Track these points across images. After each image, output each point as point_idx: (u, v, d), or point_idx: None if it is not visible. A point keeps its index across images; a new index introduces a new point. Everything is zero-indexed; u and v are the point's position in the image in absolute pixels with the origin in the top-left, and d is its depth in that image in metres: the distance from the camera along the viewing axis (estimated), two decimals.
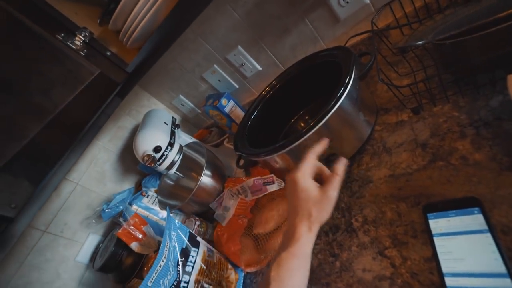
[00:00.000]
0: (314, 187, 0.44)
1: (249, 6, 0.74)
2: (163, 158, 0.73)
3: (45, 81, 0.53)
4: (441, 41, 0.47)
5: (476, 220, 0.40)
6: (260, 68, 0.91)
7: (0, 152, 0.42)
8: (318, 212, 0.43)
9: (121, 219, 0.74)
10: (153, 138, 0.71)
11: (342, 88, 0.53)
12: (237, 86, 1.00)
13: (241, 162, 0.71)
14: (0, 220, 0.43)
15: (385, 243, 0.48)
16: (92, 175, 0.96)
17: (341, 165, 0.46)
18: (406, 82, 0.63)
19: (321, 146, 0.48)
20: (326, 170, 0.47)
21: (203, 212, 0.84)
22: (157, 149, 0.69)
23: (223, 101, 0.93)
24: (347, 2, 0.68)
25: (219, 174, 0.79)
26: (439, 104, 0.54)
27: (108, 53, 0.64)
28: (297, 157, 0.59)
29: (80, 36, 0.58)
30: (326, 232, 0.58)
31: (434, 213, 0.44)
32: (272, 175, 0.66)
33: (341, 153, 0.59)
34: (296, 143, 0.55)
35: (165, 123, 0.82)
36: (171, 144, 0.75)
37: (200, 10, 0.57)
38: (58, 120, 0.52)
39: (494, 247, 0.37)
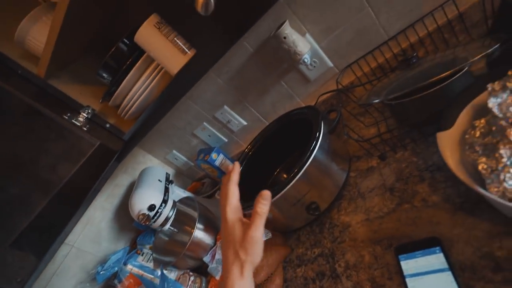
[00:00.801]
0: (238, 226, 0.44)
1: (231, 73, 0.87)
2: (157, 215, 0.77)
3: (52, 157, 0.60)
4: (389, 102, 0.57)
5: (438, 259, 0.45)
6: (245, 123, 1.01)
7: (11, 228, 0.47)
8: (245, 255, 0.41)
9: (115, 281, 0.76)
10: (147, 197, 0.77)
11: (314, 143, 0.61)
12: (226, 140, 1.09)
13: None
14: None
15: (366, 287, 0.51)
16: (88, 236, 0.99)
17: (261, 201, 0.45)
18: (372, 131, 0.72)
19: (235, 174, 0.49)
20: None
21: (197, 267, 0.86)
22: (151, 207, 0.74)
23: (213, 155, 1.01)
24: (314, 66, 0.80)
25: (212, 226, 0.83)
26: (399, 151, 0.62)
27: (107, 125, 0.73)
28: (281, 207, 0.65)
29: (84, 114, 0.68)
30: (313, 279, 0.61)
31: (404, 255, 0.49)
32: None
33: (320, 200, 0.66)
34: (278, 196, 0.61)
35: (159, 180, 0.88)
36: (165, 201, 0.80)
37: (185, 91, 0.68)
38: (62, 191, 0.58)
39: (455, 285, 0.41)
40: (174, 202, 0.85)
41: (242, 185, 0.77)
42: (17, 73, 0.62)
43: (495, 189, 0.36)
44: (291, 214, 0.67)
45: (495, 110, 0.36)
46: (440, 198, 0.50)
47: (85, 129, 0.67)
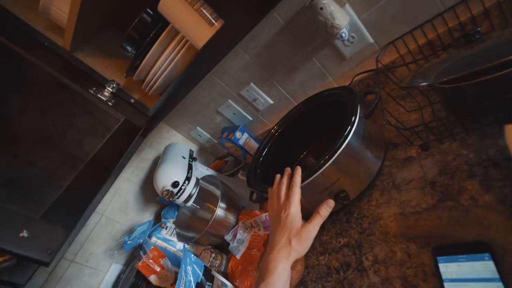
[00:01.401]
0: (299, 218, 0.51)
1: (259, 48, 0.81)
2: (180, 192, 0.77)
3: (78, 132, 0.61)
4: (441, 85, 0.49)
5: (487, 267, 0.40)
6: (272, 102, 0.96)
7: (41, 201, 0.49)
8: (296, 243, 0.48)
9: (141, 252, 0.79)
10: (171, 174, 0.77)
11: (348, 128, 0.55)
12: (250, 119, 1.05)
13: (254, 197, 0.74)
14: (36, 262, 0.48)
15: (396, 285, 0.48)
16: (116, 206, 1.03)
17: (325, 206, 0.53)
18: (413, 117, 0.65)
19: (299, 175, 0.56)
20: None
21: (219, 244, 0.87)
22: (175, 184, 0.74)
23: (238, 134, 0.98)
24: (351, 42, 0.71)
25: (234, 206, 0.83)
26: (446, 141, 0.55)
27: (132, 100, 0.72)
28: (308, 193, 0.61)
29: (109, 88, 0.67)
30: (337, 270, 0.58)
31: (444, 257, 0.44)
32: None
33: (351, 189, 0.61)
34: (307, 181, 0.57)
35: (183, 157, 0.87)
36: (188, 178, 0.80)
37: (211, 66, 0.64)
38: (89, 166, 0.59)
39: None
40: (197, 179, 0.84)
41: (265, 166, 0.75)
42: (43, 45, 0.61)
43: None
44: (318, 201, 0.63)
45: None
46: (494, 198, 0.44)
47: (110, 104, 0.66)
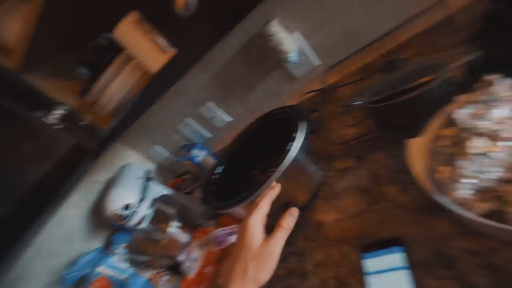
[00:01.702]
0: (259, 236, 0.45)
1: (216, 69, 0.92)
2: (133, 214, 0.82)
3: (21, 159, 0.62)
4: (369, 104, 0.62)
5: (399, 258, 0.50)
6: (230, 120, 1.06)
7: None
8: (255, 270, 0.42)
9: (82, 286, 0.79)
10: (122, 197, 0.81)
11: (291, 144, 0.66)
12: (210, 136, 1.14)
13: (208, 214, 0.81)
14: None
15: (330, 284, 0.56)
16: (59, 235, 0.98)
17: (288, 217, 0.49)
18: (353, 131, 0.78)
19: (274, 192, 0.52)
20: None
21: (173, 266, 0.90)
22: (126, 207, 0.79)
23: (195, 151, 1.06)
24: (301, 64, 0.85)
25: (189, 224, 0.88)
26: (377, 152, 0.67)
27: (84, 122, 0.76)
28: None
29: (59, 111, 0.70)
30: (284, 277, 0.66)
31: (369, 253, 0.54)
32: (235, 225, 0.75)
33: (297, 200, 0.71)
34: (252, 196, 0.65)
35: (137, 177, 0.93)
36: (142, 200, 0.85)
37: (165, 89, 0.72)
38: (29, 195, 0.60)
39: (410, 281, 0.46)
40: (152, 200, 0.89)
41: (220, 183, 0.83)
42: None
43: (452, 196, 0.41)
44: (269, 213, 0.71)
45: (459, 122, 0.41)
46: (408, 200, 0.55)
47: (59, 127, 0.69)
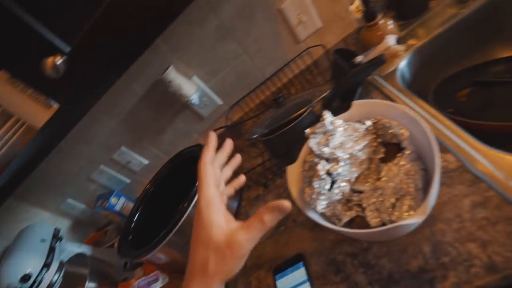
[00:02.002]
0: (219, 219, 0.34)
1: (124, 115, 0.89)
2: (35, 284, 0.71)
3: None
4: (259, 138, 0.69)
5: (301, 273, 0.55)
6: (147, 162, 1.03)
7: None
8: (217, 264, 0.32)
9: None
10: (19, 266, 0.70)
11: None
12: (128, 181, 1.08)
13: (128, 266, 0.75)
14: None
15: None
16: None
17: (275, 211, 0.32)
18: (259, 161, 0.84)
19: (208, 148, 0.38)
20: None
21: None
22: (25, 278, 0.68)
23: (112, 200, 0.98)
24: (205, 105, 0.89)
25: (110, 281, 0.80)
26: (278, 179, 0.74)
27: None
28: (179, 245, 0.68)
29: None
30: None
31: (279, 274, 0.58)
32: (156, 272, 0.71)
33: None
34: (166, 239, 0.64)
35: (41, 240, 0.81)
36: (47, 265, 0.74)
37: (55, 144, 0.66)
38: None
39: None
40: (62, 263, 0.79)
41: (138, 231, 0.79)
42: None
43: (319, 211, 0.48)
44: (185, 254, 0.70)
45: (313, 149, 0.49)
46: (304, 218, 0.62)
47: None
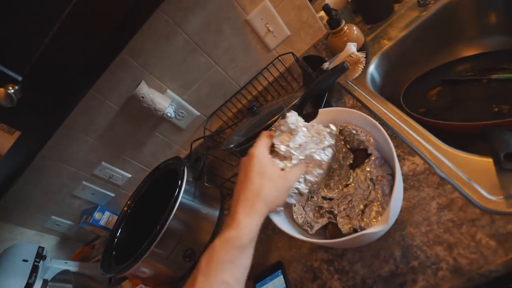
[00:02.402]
0: (272, 163, 0.39)
1: (101, 131, 0.85)
2: None
3: None
4: (234, 149, 0.67)
5: (280, 280, 0.53)
6: (130, 176, 0.99)
7: None
8: (270, 190, 0.35)
9: None
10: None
11: (176, 194, 0.65)
12: (113, 195, 1.04)
13: (112, 282, 0.72)
14: None
15: None
16: None
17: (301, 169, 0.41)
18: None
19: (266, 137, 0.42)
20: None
21: None
22: None
23: (96, 215, 0.94)
24: (182, 116, 0.86)
25: None
26: None
27: None
28: (158, 261, 0.66)
29: None
30: None
31: (260, 282, 0.56)
32: (141, 285, 0.69)
33: (197, 245, 0.69)
34: (146, 254, 0.61)
35: (24, 260, 0.77)
36: (29, 285, 0.70)
37: (20, 173, 0.63)
38: None
39: None
40: (46, 281, 0.75)
41: (122, 246, 0.75)
42: None
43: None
44: (170, 265, 0.68)
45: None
46: None
47: None
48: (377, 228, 0.34)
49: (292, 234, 0.42)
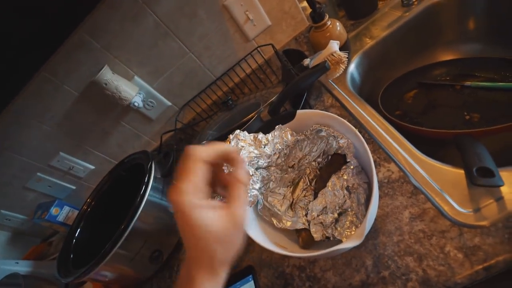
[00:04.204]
0: (211, 216, 0.29)
1: (58, 118, 0.77)
2: None
3: None
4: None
5: (251, 286, 0.52)
6: (93, 167, 0.92)
7: None
8: (224, 250, 0.29)
9: None
10: None
11: (143, 190, 0.60)
12: (73, 188, 0.96)
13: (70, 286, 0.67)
14: None
15: None
16: None
17: (240, 168, 0.32)
18: None
19: (208, 149, 0.31)
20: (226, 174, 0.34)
21: None
22: None
23: (53, 210, 0.87)
24: (152, 106, 0.80)
25: None
26: None
27: None
28: (120, 265, 0.62)
29: None
30: None
31: (229, 287, 0.54)
32: None
33: (164, 245, 0.66)
34: (109, 255, 0.57)
35: None
36: None
37: None
38: None
39: None
40: None
41: (80, 249, 0.70)
42: None
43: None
44: (135, 267, 0.64)
45: None
46: None
47: None
48: (351, 244, 0.33)
49: (268, 247, 0.40)
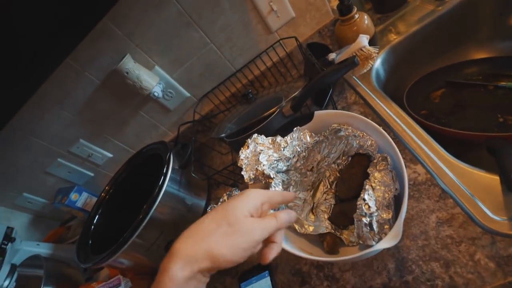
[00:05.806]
0: (248, 208, 0.32)
1: (79, 106, 0.78)
2: None
3: None
4: (226, 138, 0.63)
5: (267, 282, 0.52)
6: (111, 155, 0.93)
7: None
8: (220, 238, 0.29)
9: None
10: None
11: (160, 184, 0.61)
12: (92, 175, 0.98)
13: (88, 272, 0.69)
14: None
15: None
16: None
17: (287, 213, 0.35)
18: (230, 158, 0.78)
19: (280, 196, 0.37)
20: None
21: None
22: None
23: (73, 196, 0.89)
24: (171, 97, 0.80)
25: (68, 283, 0.74)
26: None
27: None
28: (137, 254, 0.63)
29: None
30: None
31: (245, 282, 0.54)
32: (118, 276, 0.66)
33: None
34: (124, 247, 0.58)
35: None
36: None
37: None
38: None
39: None
40: (14, 266, 0.71)
41: (98, 235, 0.72)
42: None
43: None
44: (151, 257, 0.65)
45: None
46: None
47: None
48: (387, 244, 0.32)
49: (298, 253, 0.39)
